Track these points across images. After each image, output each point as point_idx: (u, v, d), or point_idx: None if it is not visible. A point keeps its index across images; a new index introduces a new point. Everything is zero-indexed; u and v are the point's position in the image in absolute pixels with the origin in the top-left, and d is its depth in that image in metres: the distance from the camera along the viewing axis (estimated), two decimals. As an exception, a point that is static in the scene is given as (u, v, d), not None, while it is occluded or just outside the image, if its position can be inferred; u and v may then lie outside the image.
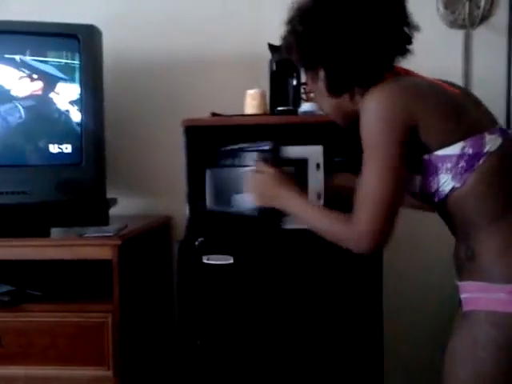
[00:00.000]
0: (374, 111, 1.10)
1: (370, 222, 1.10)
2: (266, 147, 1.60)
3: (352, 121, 1.24)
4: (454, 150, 1.08)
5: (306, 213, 1.27)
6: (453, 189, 1.11)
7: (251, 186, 1.38)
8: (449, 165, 1.09)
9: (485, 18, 2.00)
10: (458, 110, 1.13)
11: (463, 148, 1.08)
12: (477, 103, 1.20)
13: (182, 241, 1.71)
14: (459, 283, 1.19)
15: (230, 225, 1.69)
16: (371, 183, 1.10)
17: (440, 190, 1.13)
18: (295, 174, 1.74)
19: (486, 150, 1.08)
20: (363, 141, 1.12)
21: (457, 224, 1.18)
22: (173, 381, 2.04)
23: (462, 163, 1.08)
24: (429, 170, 1.13)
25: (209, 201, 1.75)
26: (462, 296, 1.17)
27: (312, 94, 1.29)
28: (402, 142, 1.09)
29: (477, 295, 1.11)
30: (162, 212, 2.16)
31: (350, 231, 1.14)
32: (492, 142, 1.09)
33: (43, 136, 1.79)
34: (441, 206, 1.17)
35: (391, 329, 1.78)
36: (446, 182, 1.11)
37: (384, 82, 1.15)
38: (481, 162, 1.08)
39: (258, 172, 1.38)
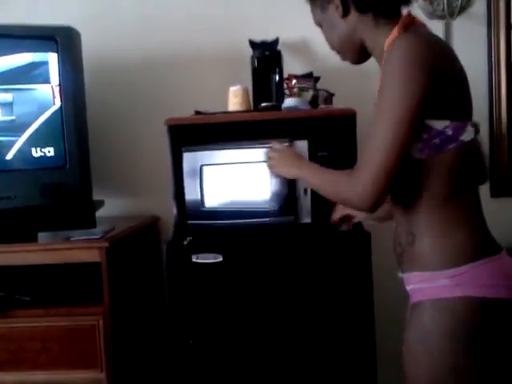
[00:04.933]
0: (407, 54, 1.04)
1: (375, 175, 1.05)
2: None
3: (362, 58, 1.23)
4: (439, 124, 1.06)
5: (318, 176, 1.25)
6: (413, 160, 1.08)
7: (272, 159, 1.43)
8: (425, 135, 1.07)
9: (464, 8, 2.01)
10: (464, 87, 1.11)
11: (446, 127, 1.06)
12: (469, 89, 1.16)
13: (170, 241, 1.71)
14: (403, 275, 1.19)
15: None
16: (384, 138, 1.05)
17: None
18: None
19: (461, 138, 1.07)
20: (383, 87, 1.07)
21: (400, 200, 1.17)
22: (166, 381, 2.04)
23: (437, 140, 1.06)
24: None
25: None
26: (408, 288, 1.18)
27: (324, 29, 1.24)
28: (423, 95, 1.03)
29: (421, 285, 1.12)
30: (150, 212, 2.15)
31: (355, 181, 1.09)
32: (468, 134, 1.08)
33: (25, 140, 1.77)
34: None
35: (382, 327, 1.78)
36: (414, 149, 1.08)
37: (411, 29, 1.11)
38: (451, 146, 1.07)
39: (276, 149, 1.45)
